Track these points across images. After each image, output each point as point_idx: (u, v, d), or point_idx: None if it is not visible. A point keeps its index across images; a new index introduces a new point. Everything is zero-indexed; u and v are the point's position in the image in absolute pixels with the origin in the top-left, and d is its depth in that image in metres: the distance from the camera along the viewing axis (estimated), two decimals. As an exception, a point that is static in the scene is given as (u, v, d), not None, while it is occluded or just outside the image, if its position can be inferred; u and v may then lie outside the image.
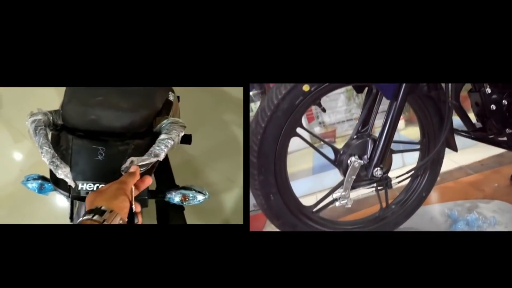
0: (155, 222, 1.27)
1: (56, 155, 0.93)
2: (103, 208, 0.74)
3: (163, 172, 1.24)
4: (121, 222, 0.76)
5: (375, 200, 1.35)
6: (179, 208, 1.22)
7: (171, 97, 1.21)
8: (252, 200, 1.21)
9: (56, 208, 1.74)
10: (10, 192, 1.75)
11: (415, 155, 1.40)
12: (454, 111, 1.25)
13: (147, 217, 1.22)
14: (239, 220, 1.69)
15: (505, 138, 1.30)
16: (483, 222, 1.35)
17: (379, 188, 1.25)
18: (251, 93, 2.38)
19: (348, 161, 1.17)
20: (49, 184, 1.07)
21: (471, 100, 1.32)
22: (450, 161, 1.90)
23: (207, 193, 1.13)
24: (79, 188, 0.94)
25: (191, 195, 1.11)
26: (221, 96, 2.15)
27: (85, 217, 0.72)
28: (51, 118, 1.02)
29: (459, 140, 1.32)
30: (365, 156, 1.16)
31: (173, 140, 1.00)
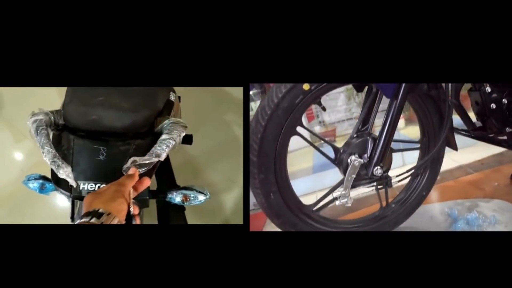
0: (155, 222, 1.27)
1: (57, 155, 0.93)
2: (100, 210, 0.74)
3: (164, 172, 1.24)
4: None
5: (375, 199, 1.35)
6: (180, 208, 1.22)
7: (172, 97, 1.21)
8: (252, 199, 1.21)
9: (56, 208, 1.74)
10: (10, 192, 1.76)
11: (415, 154, 1.41)
12: (454, 110, 1.26)
13: (148, 217, 1.22)
14: (240, 220, 1.69)
15: (505, 137, 1.31)
16: (483, 221, 1.35)
17: (379, 187, 1.26)
18: (251, 92, 2.38)
19: (348, 160, 1.17)
20: (50, 184, 1.07)
21: (471, 99, 1.32)
22: (450, 160, 1.90)
23: (208, 193, 1.13)
24: (81, 188, 0.95)
25: (192, 195, 1.11)
26: (222, 96, 2.15)
27: (82, 220, 0.72)
28: (52, 118, 1.02)
29: (459, 139, 1.33)
30: (365, 155, 1.17)
31: (174, 140, 1.00)
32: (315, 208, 1.25)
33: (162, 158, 0.97)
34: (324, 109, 1.23)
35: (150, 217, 1.27)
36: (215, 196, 1.73)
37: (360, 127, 1.21)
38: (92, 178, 0.95)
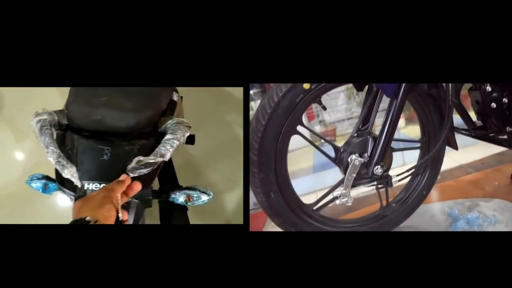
0: (157, 222, 1.27)
1: (62, 155, 0.93)
2: (87, 218, 0.74)
3: (166, 172, 1.24)
4: None
5: (375, 198, 1.35)
6: (183, 209, 1.23)
7: (175, 97, 1.21)
8: (252, 199, 1.22)
9: (57, 208, 1.74)
10: (12, 191, 1.76)
11: (416, 153, 1.41)
12: (454, 109, 1.26)
13: (150, 217, 1.22)
14: (240, 220, 1.69)
15: (505, 136, 1.31)
16: (483, 221, 1.35)
17: (379, 186, 1.26)
18: (251, 92, 2.38)
19: (349, 159, 1.17)
20: (53, 184, 1.07)
21: (472, 98, 1.32)
22: (451, 159, 1.90)
23: (211, 193, 1.12)
24: (85, 188, 0.95)
25: (195, 195, 1.11)
26: (222, 96, 2.15)
27: None
28: (56, 118, 1.03)
29: (459, 138, 1.33)
30: (366, 154, 1.17)
31: (178, 140, 1.00)
32: (315, 208, 1.25)
33: (167, 158, 0.97)
34: (324, 108, 1.23)
35: (152, 217, 1.28)
36: (215, 196, 1.73)
37: (360, 126, 1.21)
38: (97, 178, 0.95)
